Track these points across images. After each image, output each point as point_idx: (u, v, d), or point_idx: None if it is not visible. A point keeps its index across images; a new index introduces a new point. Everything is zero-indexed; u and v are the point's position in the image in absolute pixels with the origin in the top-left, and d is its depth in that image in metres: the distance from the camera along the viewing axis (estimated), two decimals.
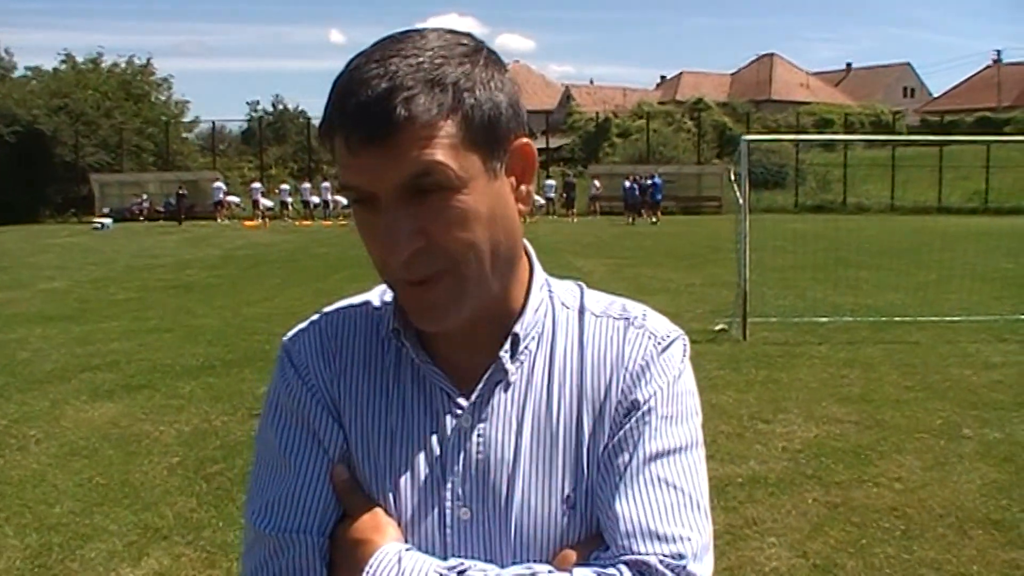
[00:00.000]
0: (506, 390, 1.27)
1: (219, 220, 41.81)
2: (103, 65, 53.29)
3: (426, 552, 1.21)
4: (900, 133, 55.65)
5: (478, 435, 1.25)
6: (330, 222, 40.99)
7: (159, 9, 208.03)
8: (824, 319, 12.52)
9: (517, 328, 1.27)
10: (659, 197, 39.54)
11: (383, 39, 1.17)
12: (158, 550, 5.30)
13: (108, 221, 39.25)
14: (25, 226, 39.84)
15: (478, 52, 1.17)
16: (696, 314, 12.54)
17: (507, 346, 1.26)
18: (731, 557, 5.06)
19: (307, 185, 45.09)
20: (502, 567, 1.20)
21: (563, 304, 1.33)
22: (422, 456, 1.25)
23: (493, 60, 1.19)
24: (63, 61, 52.73)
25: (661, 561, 1.15)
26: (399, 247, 1.13)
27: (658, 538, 1.17)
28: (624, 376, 1.27)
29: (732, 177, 13.86)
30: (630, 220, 37.95)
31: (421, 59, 1.11)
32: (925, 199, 44.13)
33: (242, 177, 49.23)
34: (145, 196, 44.50)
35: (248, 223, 40.26)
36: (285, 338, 1.37)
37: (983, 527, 5.46)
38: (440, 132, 1.10)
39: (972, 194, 44.73)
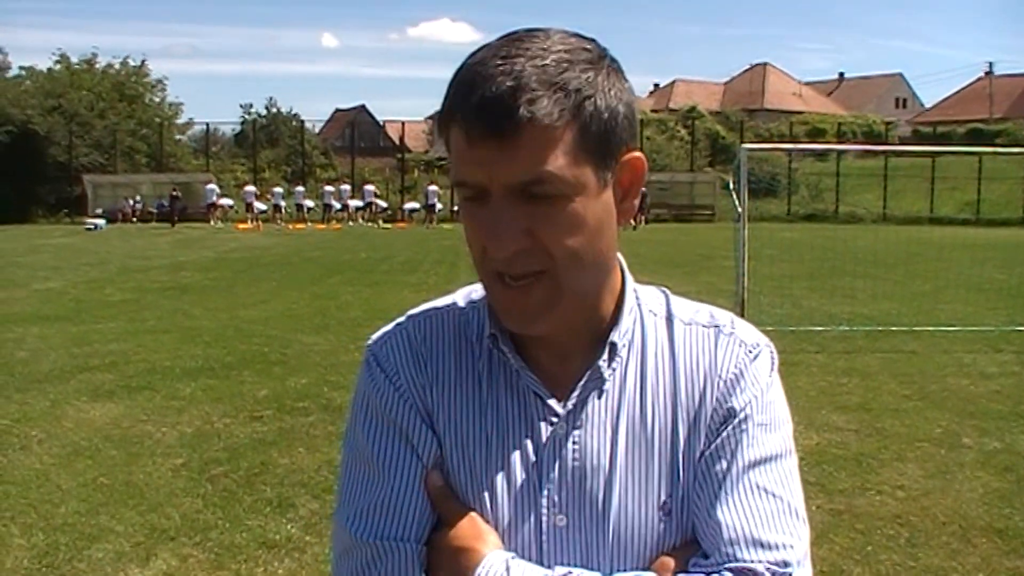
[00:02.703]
0: (600, 397, 1.28)
1: (212, 222, 41.75)
2: (97, 66, 53.21)
3: (522, 558, 1.22)
4: (892, 143, 55.80)
5: (573, 442, 1.26)
6: (324, 226, 40.97)
7: (154, 11, 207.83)
8: (820, 328, 12.56)
9: (614, 336, 1.28)
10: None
11: (507, 36, 1.18)
12: (165, 551, 5.31)
13: (101, 222, 39.21)
14: (17, 226, 39.72)
15: (602, 59, 1.18)
16: None
17: (605, 355, 1.27)
18: None
19: (300, 188, 45.08)
20: (603, 575, 1.20)
21: (651, 311, 1.34)
22: (518, 463, 1.26)
23: (615, 68, 1.20)
24: (57, 61, 52.64)
25: (767, 569, 1.17)
26: (504, 242, 1.14)
27: (763, 546, 1.18)
28: (718, 384, 1.28)
29: (731, 185, 13.91)
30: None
31: (546, 61, 1.12)
32: (917, 209, 44.36)
33: (235, 179, 49.16)
34: (138, 197, 44.44)
35: (241, 226, 40.26)
36: (370, 342, 1.37)
37: (987, 535, 5.50)
38: (558, 138, 1.11)
39: (964, 205, 44.96)
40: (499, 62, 1.12)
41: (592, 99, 1.14)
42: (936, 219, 43.16)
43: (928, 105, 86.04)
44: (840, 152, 49.13)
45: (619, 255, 1.33)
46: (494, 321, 1.28)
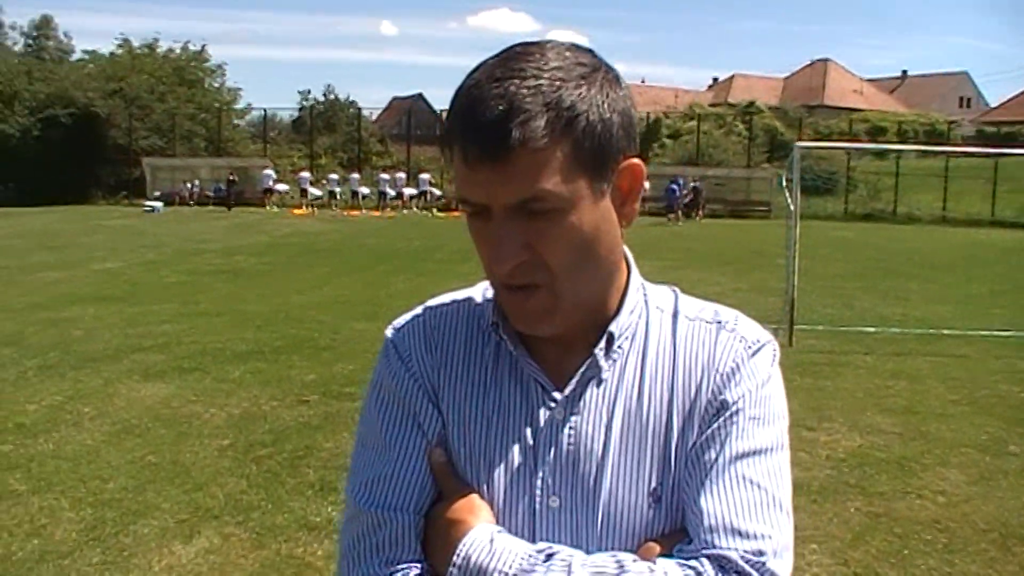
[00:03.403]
0: (598, 386, 1.33)
1: (267, 207, 42.04)
2: (158, 50, 53.87)
3: (516, 536, 1.27)
4: (954, 143, 54.90)
5: (570, 428, 1.32)
6: (378, 213, 41.18)
7: None
8: (871, 329, 12.45)
9: (612, 327, 1.33)
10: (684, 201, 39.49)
11: (504, 53, 1.23)
12: (208, 529, 5.43)
13: (158, 204, 39.67)
14: (77, 207, 40.41)
15: (596, 72, 1.23)
16: None
17: (602, 344, 1.33)
18: None
19: (356, 175, 45.25)
20: (588, 554, 1.25)
21: (657, 307, 1.39)
22: (516, 445, 1.32)
23: (610, 79, 1.24)
24: (120, 46, 53.39)
25: (742, 557, 1.20)
26: (505, 258, 1.21)
27: (740, 534, 1.22)
28: (715, 377, 1.33)
29: (784, 183, 13.82)
30: (675, 220, 37.74)
31: (540, 81, 1.17)
32: (977, 211, 43.54)
33: (291, 165, 49.47)
34: (196, 181, 44.88)
35: (296, 211, 40.52)
36: (390, 328, 1.45)
37: None
38: (551, 157, 1.17)
39: None
40: (493, 84, 1.17)
41: (585, 114, 1.19)
42: (997, 222, 42.37)
43: (993, 104, 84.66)
44: (898, 151, 48.46)
45: (628, 253, 1.38)
46: (498, 311, 1.35)
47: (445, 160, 1.27)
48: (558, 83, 1.18)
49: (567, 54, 1.23)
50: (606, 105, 1.21)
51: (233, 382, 8.90)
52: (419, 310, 1.46)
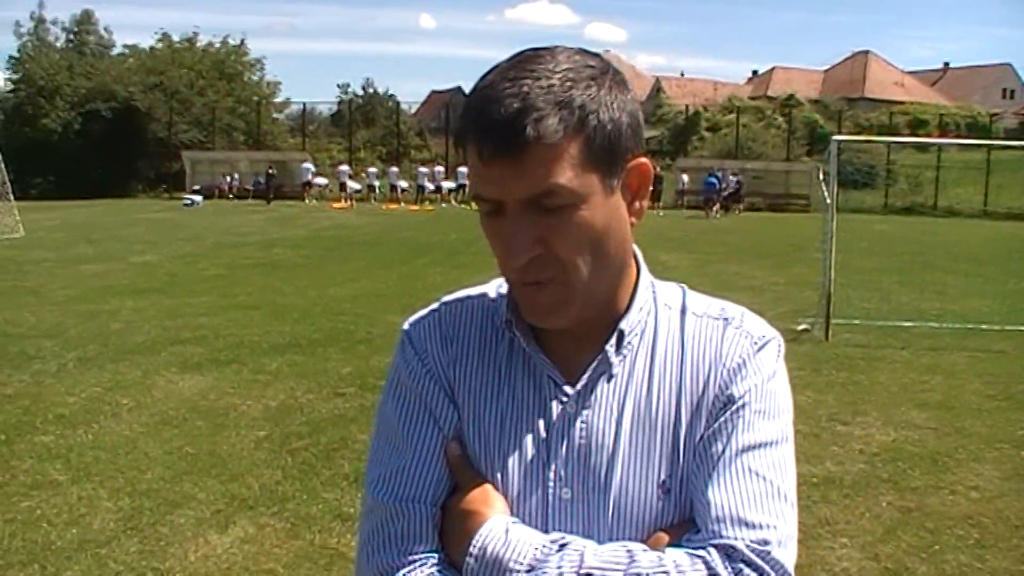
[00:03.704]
0: (609, 381, 1.37)
1: (306, 200, 42.35)
2: (198, 44, 54.31)
3: (529, 527, 1.31)
4: (997, 135, 54.29)
5: (582, 422, 1.36)
6: (416, 206, 41.32)
7: None
8: (908, 323, 12.37)
9: (623, 324, 1.37)
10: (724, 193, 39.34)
11: (516, 57, 1.28)
12: (244, 519, 5.50)
13: (198, 198, 40.01)
14: (117, 200, 40.90)
15: (604, 74, 1.27)
16: (779, 313, 12.36)
17: (613, 340, 1.37)
18: (802, 556, 5.06)
19: (394, 169, 45.42)
20: (599, 544, 1.28)
21: (666, 304, 1.43)
22: (529, 438, 1.36)
23: (618, 81, 1.29)
24: (159, 40, 53.81)
25: (747, 546, 1.24)
26: (519, 253, 1.25)
27: (746, 524, 1.26)
28: (722, 372, 1.37)
29: (821, 176, 13.75)
30: (714, 214, 37.59)
31: (551, 81, 1.22)
32: (1020, 205, 43.05)
33: (330, 159, 49.80)
34: (235, 174, 45.23)
35: (335, 204, 40.75)
36: (406, 323, 1.49)
37: None
38: (564, 153, 1.21)
39: None
40: (507, 84, 1.22)
41: (596, 113, 1.23)
42: None
43: None
44: (938, 145, 47.97)
45: (637, 251, 1.42)
46: (511, 307, 1.39)
47: (460, 158, 1.31)
48: (569, 83, 1.22)
49: (576, 57, 1.27)
50: (615, 106, 1.26)
51: (270, 374, 8.99)
52: (435, 306, 1.49)
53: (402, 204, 42.46)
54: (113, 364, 9.25)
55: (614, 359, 1.37)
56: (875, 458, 6.82)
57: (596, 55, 1.30)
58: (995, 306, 14.42)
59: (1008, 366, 10.17)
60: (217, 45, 54.65)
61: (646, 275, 1.43)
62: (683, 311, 1.43)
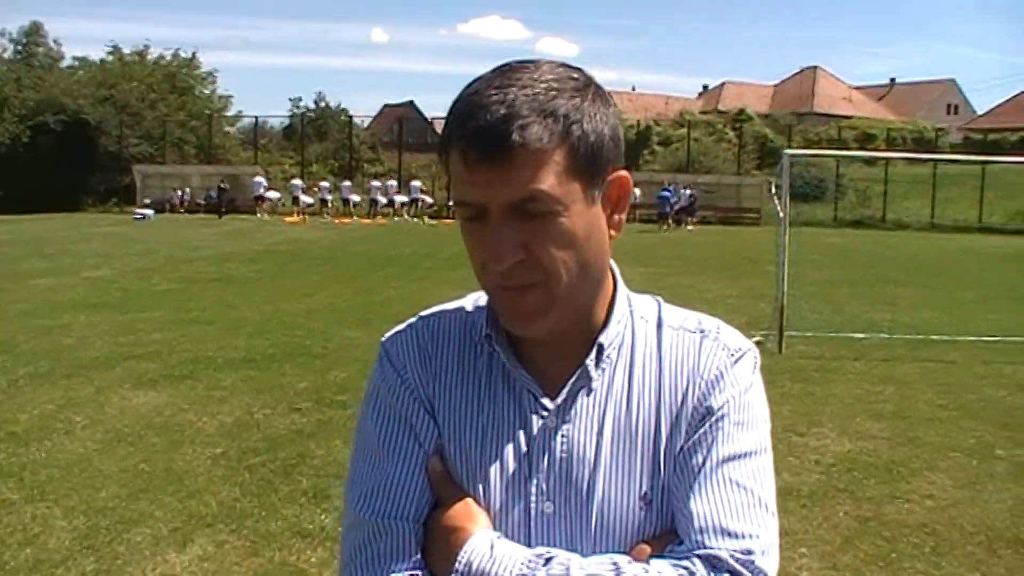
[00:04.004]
0: (589, 394, 1.38)
1: (259, 215, 42.01)
2: (149, 57, 53.85)
3: (512, 541, 1.32)
4: (942, 150, 55.12)
5: (562, 435, 1.36)
6: (369, 220, 41.21)
7: (206, 3, 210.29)
8: (860, 335, 12.51)
9: (602, 338, 1.38)
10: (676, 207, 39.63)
11: (500, 68, 1.30)
12: (202, 537, 5.45)
13: (149, 212, 39.65)
14: (68, 214, 40.31)
15: (587, 87, 1.30)
16: (732, 326, 12.36)
17: (592, 355, 1.37)
18: None
19: (347, 183, 45.26)
20: (583, 557, 1.29)
21: (642, 317, 1.44)
22: (510, 453, 1.37)
23: (600, 95, 1.31)
24: (110, 52, 53.28)
25: (732, 556, 1.26)
26: (503, 257, 1.25)
27: (729, 535, 1.28)
28: (700, 384, 1.38)
29: (772, 190, 13.89)
30: (667, 227, 37.81)
31: (536, 90, 1.24)
32: (966, 218, 43.79)
33: (283, 173, 49.47)
34: (187, 188, 44.87)
35: (287, 219, 40.50)
36: (384, 339, 1.49)
37: (1012, 547, 5.51)
38: (549, 160, 1.23)
39: (1014, 214, 44.27)
40: (493, 92, 1.23)
41: (579, 123, 1.25)
42: (985, 228, 42.61)
43: (981, 112, 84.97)
44: (887, 159, 48.64)
45: (614, 265, 1.43)
46: (491, 322, 1.40)
47: (440, 168, 1.32)
48: (554, 93, 1.25)
49: (559, 70, 1.29)
50: (598, 118, 1.28)
51: (225, 390, 8.92)
52: (412, 321, 1.50)
53: (355, 218, 42.31)
54: (66, 380, 9.12)
55: (594, 373, 1.38)
56: (831, 468, 6.89)
57: (579, 69, 1.32)
58: (945, 317, 14.64)
59: (959, 376, 10.33)
60: (168, 58, 54.23)
61: (623, 288, 1.45)
62: (659, 324, 1.45)
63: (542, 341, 1.38)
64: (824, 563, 5.22)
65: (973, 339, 12.39)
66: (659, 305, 1.48)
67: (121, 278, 17.97)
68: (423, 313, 1.51)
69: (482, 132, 1.21)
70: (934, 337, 12.52)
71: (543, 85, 1.25)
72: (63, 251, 23.30)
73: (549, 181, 1.23)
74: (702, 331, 1.44)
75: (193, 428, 7.65)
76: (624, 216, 1.38)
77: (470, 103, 1.25)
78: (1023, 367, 10.86)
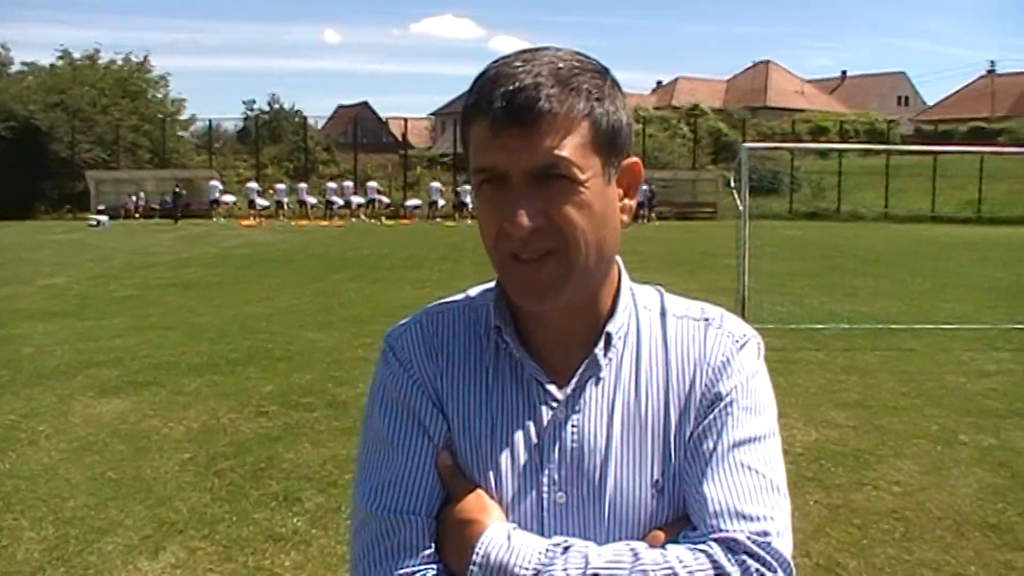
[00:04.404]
0: (597, 384, 1.39)
1: (215, 219, 41.81)
2: (100, 61, 53.24)
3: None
4: (894, 142, 55.80)
5: (572, 425, 1.37)
6: (327, 222, 41.04)
7: (156, 6, 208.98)
8: (821, 326, 12.65)
9: (609, 327, 1.40)
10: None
11: (521, 50, 1.32)
12: (174, 544, 5.39)
13: (104, 218, 39.19)
14: (20, 222, 39.79)
15: (606, 74, 1.34)
16: None
17: (601, 344, 1.39)
18: None
19: (303, 184, 45.09)
20: (599, 545, 1.30)
21: (645, 307, 1.46)
22: (521, 444, 1.37)
23: (617, 84, 1.35)
24: (60, 57, 52.69)
25: (748, 538, 1.27)
26: (523, 221, 1.26)
27: (744, 517, 1.29)
28: (707, 371, 1.40)
29: (731, 183, 13.99)
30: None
31: (561, 66, 1.28)
32: (919, 208, 44.40)
33: (238, 176, 49.12)
34: (141, 194, 44.46)
35: (244, 222, 40.26)
36: (388, 334, 1.48)
37: (980, 530, 5.58)
38: (573, 129, 1.26)
39: (966, 204, 44.99)
40: (520, 64, 1.27)
41: (602, 101, 1.29)
42: (938, 217, 43.26)
43: (930, 103, 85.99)
44: (842, 151, 49.17)
45: (618, 257, 1.44)
46: (499, 313, 1.41)
47: (462, 138, 1.34)
48: (577, 70, 1.29)
49: (579, 54, 1.33)
50: (618, 102, 1.32)
51: (190, 395, 8.84)
52: (416, 315, 1.50)
53: (312, 220, 42.14)
54: (27, 390, 9.00)
55: (602, 362, 1.39)
56: (799, 458, 6.94)
57: (595, 59, 1.35)
58: (903, 306, 14.83)
59: (920, 363, 10.46)
60: (120, 62, 53.66)
61: (626, 279, 1.46)
62: (663, 313, 1.46)
63: (549, 330, 1.39)
64: (797, 551, 5.19)
65: (931, 327, 12.56)
66: (661, 295, 1.50)
67: (78, 285, 17.77)
68: (427, 307, 1.51)
69: (513, 97, 1.24)
70: (893, 326, 12.69)
71: (566, 63, 1.29)
72: (17, 259, 23.02)
73: (572, 150, 1.26)
74: (706, 319, 1.45)
75: (159, 434, 7.58)
76: (634, 203, 1.40)
77: (498, 73, 1.28)
78: (981, 354, 11.03)
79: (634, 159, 1.38)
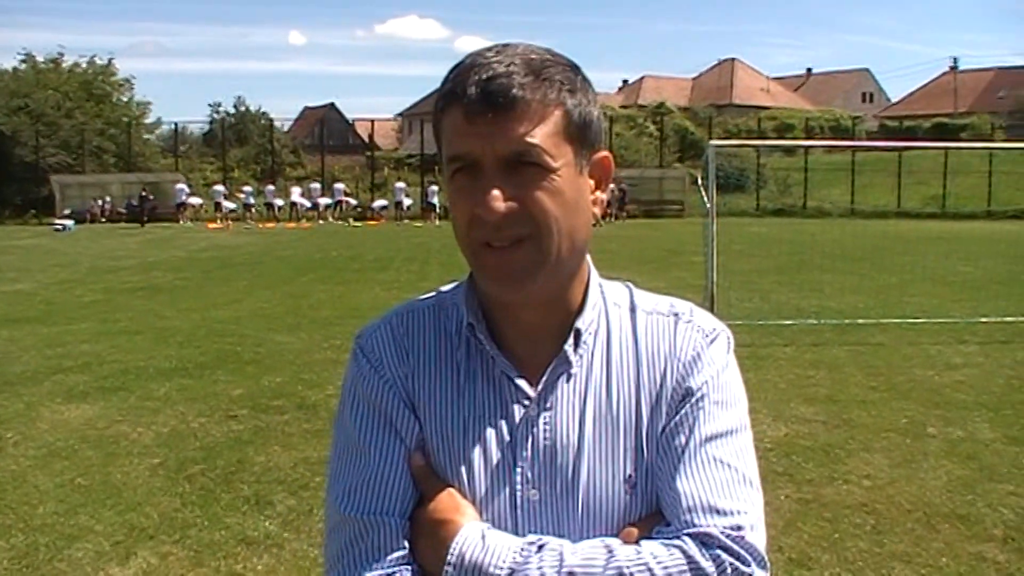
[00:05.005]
0: (568, 380, 1.39)
1: (181, 222, 41.53)
2: (64, 65, 52.58)
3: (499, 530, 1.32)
4: (859, 138, 56.23)
5: (544, 422, 1.37)
6: (294, 224, 40.89)
7: (120, 9, 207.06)
8: (789, 321, 12.71)
9: (579, 324, 1.40)
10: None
11: (493, 44, 1.34)
12: (145, 549, 5.35)
13: (70, 223, 38.85)
14: None
15: (578, 70, 1.35)
16: None
17: (570, 340, 1.39)
18: None
19: (271, 187, 44.91)
20: (572, 543, 1.30)
21: (615, 303, 1.47)
22: (493, 442, 1.37)
23: (588, 80, 1.36)
24: (23, 61, 51.96)
25: (722, 532, 1.28)
26: (495, 206, 1.26)
27: (718, 512, 1.30)
28: (677, 366, 1.40)
29: (699, 181, 14.05)
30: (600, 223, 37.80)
31: (534, 57, 1.30)
32: (884, 203, 44.72)
33: (204, 179, 48.80)
34: (107, 198, 44.08)
35: (211, 225, 40.07)
36: (358, 335, 1.48)
37: (950, 521, 5.64)
38: (546, 117, 1.27)
39: (930, 199, 45.44)
40: (493, 54, 1.29)
41: (574, 93, 1.31)
42: (903, 213, 43.58)
43: (894, 100, 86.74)
44: (808, 147, 49.48)
45: (587, 254, 1.44)
46: (470, 310, 1.41)
47: (434, 130, 1.35)
48: (549, 63, 1.30)
49: (550, 51, 1.35)
50: (589, 95, 1.34)
51: (159, 400, 8.78)
52: (387, 315, 1.49)
53: (279, 222, 41.98)
54: None
55: (572, 358, 1.39)
56: (769, 453, 6.97)
57: (565, 55, 1.37)
58: (870, 301, 14.92)
59: (887, 357, 10.54)
60: (84, 66, 53.01)
61: (595, 275, 1.46)
62: (632, 309, 1.46)
63: (520, 326, 1.40)
64: (768, 546, 5.27)
65: (899, 321, 12.66)
66: (631, 291, 1.50)
67: (44, 291, 17.59)
68: (398, 306, 1.51)
69: (486, 85, 1.25)
70: (860, 321, 12.77)
71: (539, 55, 1.30)
72: None
73: (544, 138, 1.27)
74: (675, 314, 1.46)
75: (128, 440, 7.52)
76: (606, 196, 1.41)
77: (472, 63, 1.29)
78: (947, 347, 11.13)
79: (605, 153, 1.39)
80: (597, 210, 1.40)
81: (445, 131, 1.31)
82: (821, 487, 6.28)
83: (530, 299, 1.35)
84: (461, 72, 1.29)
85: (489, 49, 1.31)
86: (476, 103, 1.25)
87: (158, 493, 6.31)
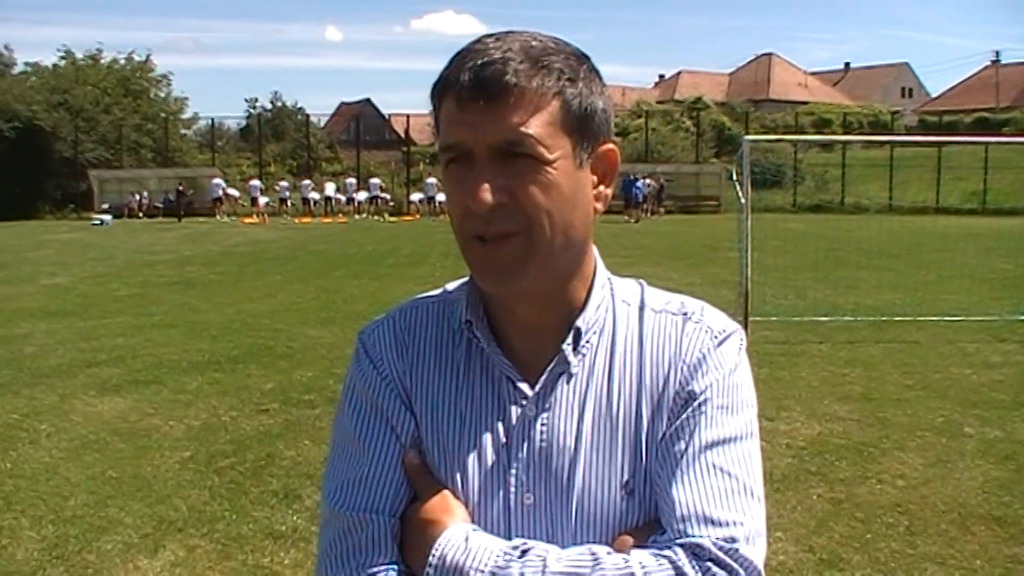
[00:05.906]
0: (568, 381, 1.35)
1: (218, 216, 41.81)
2: (102, 61, 53.15)
3: (491, 534, 1.29)
4: (898, 133, 55.66)
5: (542, 424, 1.33)
6: (329, 219, 41.03)
7: (158, 6, 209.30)
8: (824, 318, 12.59)
9: (579, 323, 1.35)
10: (640, 198, 39.25)
11: (499, 32, 1.30)
12: (173, 542, 5.37)
13: (107, 217, 39.25)
14: (24, 221, 39.85)
15: (584, 59, 1.31)
16: None
17: (569, 339, 1.34)
18: None
19: (306, 182, 45.05)
20: (563, 549, 1.26)
21: (624, 301, 1.42)
22: (489, 443, 1.34)
23: (595, 71, 1.32)
24: (62, 57, 52.57)
25: (714, 544, 1.22)
26: (485, 197, 1.23)
27: (712, 522, 1.24)
28: (681, 368, 1.35)
29: (734, 176, 13.95)
30: (635, 219, 37.63)
31: (534, 44, 1.25)
32: (923, 199, 44.16)
33: (240, 174, 49.11)
34: (144, 192, 44.42)
35: (247, 220, 40.30)
36: (361, 331, 1.46)
37: (985, 523, 5.55)
38: (541, 106, 1.23)
39: (970, 195, 44.84)
40: (492, 40, 1.25)
41: (575, 82, 1.26)
42: (942, 209, 43.06)
43: (934, 95, 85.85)
44: (845, 142, 49.06)
45: (595, 249, 1.41)
46: (471, 307, 1.37)
47: (433, 118, 1.31)
48: (551, 51, 1.26)
49: (558, 39, 1.31)
50: (592, 87, 1.29)
51: (191, 393, 8.82)
52: (390, 312, 1.47)
53: (314, 217, 42.14)
54: (28, 389, 8.99)
55: (572, 358, 1.35)
56: (802, 452, 6.91)
57: (575, 45, 1.33)
58: (907, 298, 14.76)
59: (923, 356, 10.41)
60: (122, 62, 53.56)
61: (603, 272, 1.42)
62: (641, 307, 1.42)
63: (520, 323, 1.36)
64: (800, 546, 5.23)
65: (935, 319, 12.51)
66: (642, 288, 1.45)
67: (80, 284, 17.76)
68: (403, 303, 1.48)
69: (480, 71, 1.22)
70: (897, 318, 12.63)
71: (540, 43, 1.26)
72: (20, 259, 23.01)
73: (539, 128, 1.23)
74: (685, 314, 1.40)
75: (160, 433, 7.56)
76: (611, 190, 1.37)
77: (469, 49, 1.26)
78: (986, 346, 10.98)
79: (610, 146, 1.34)
80: (600, 205, 1.35)
81: (441, 121, 1.28)
82: (854, 486, 6.21)
83: (522, 295, 1.31)
84: (456, 60, 1.26)
85: (490, 36, 1.27)
86: (468, 90, 1.22)
87: (187, 486, 6.33)
